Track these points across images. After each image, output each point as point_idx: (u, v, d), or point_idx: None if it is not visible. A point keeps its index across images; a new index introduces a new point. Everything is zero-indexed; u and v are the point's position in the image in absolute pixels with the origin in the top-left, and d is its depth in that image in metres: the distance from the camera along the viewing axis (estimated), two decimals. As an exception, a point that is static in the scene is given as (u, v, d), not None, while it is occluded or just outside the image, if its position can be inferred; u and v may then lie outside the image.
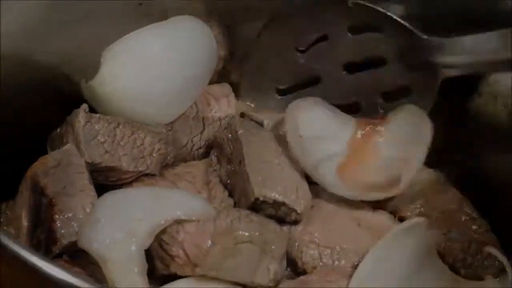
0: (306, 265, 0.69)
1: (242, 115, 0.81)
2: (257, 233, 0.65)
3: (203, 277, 0.63)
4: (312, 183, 0.72)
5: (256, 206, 0.69)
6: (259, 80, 0.83)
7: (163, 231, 0.63)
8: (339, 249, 0.69)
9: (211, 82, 0.78)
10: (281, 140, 0.74)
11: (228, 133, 0.74)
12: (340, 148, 0.74)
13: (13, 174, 0.68)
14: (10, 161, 0.67)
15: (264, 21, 0.80)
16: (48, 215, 0.63)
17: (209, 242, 0.63)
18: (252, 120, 0.79)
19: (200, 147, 0.78)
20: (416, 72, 0.78)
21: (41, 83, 0.71)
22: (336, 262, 0.69)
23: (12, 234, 0.65)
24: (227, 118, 0.78)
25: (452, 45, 0.74)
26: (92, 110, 0.71)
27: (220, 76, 0.82)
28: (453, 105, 0.79)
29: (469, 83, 0.77)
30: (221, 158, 0.74)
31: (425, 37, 0.75)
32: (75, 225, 0.63)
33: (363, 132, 0.75)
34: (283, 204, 0.69)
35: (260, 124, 0.78)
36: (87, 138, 0.69)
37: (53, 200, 0.64)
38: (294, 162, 0.72)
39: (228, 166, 0.73)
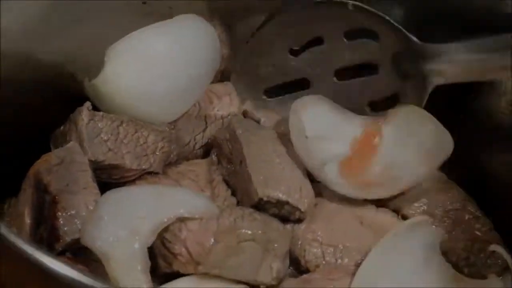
0: (309, 263, 0.69)
1: (245, 113, 0.80)
2: (260, 232, 0.65)
3: (206, 275, 0.63)
4: (314, 181, 0.72)
5: (259, 206, 0.69)
6: (247, 80, 0.82)
7: (166, 229, 0.63)
8: (342, 248, 0.69)
9: (213, 81, 0.78)
10: (282, 139, 0.74)
11: (226, 133, 0.74)
12: (343, 147, 0.74)
13: (16, 173, 0.68)
14: (12, 159, 0.67)
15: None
16: (51, 213, 0.63)
17: (212, 240, 0.63)
18: (253, 119, 0.79)
19: (202, 145, 0.78)
20: (407, 80, 0.78)
21: (42, 83, 0.71)
22: (339, 261, 0.69)
23: (15, 231, 0.64)
24: (229, 117, 0.78)
25: (447, 52, 0.74)
26: (96, 108, 0.71)
27: (223, 75, 0.82)
28: (453, 105, 0.79)
29: (469, 82, 0.77)
30: (221, 158, 0.74)
31: (420, 43, 0.75)
32: (78, 222, 0.63)
33: (366, 130, 0.75)
34: (287, 203, 0.69)
35: (257, 123, 0.79)
36: (90, 136, 0.69)
37: (56, 197, 0.64)
38: (296, 160, 0.72)
39: (228, 166, 0.73)
